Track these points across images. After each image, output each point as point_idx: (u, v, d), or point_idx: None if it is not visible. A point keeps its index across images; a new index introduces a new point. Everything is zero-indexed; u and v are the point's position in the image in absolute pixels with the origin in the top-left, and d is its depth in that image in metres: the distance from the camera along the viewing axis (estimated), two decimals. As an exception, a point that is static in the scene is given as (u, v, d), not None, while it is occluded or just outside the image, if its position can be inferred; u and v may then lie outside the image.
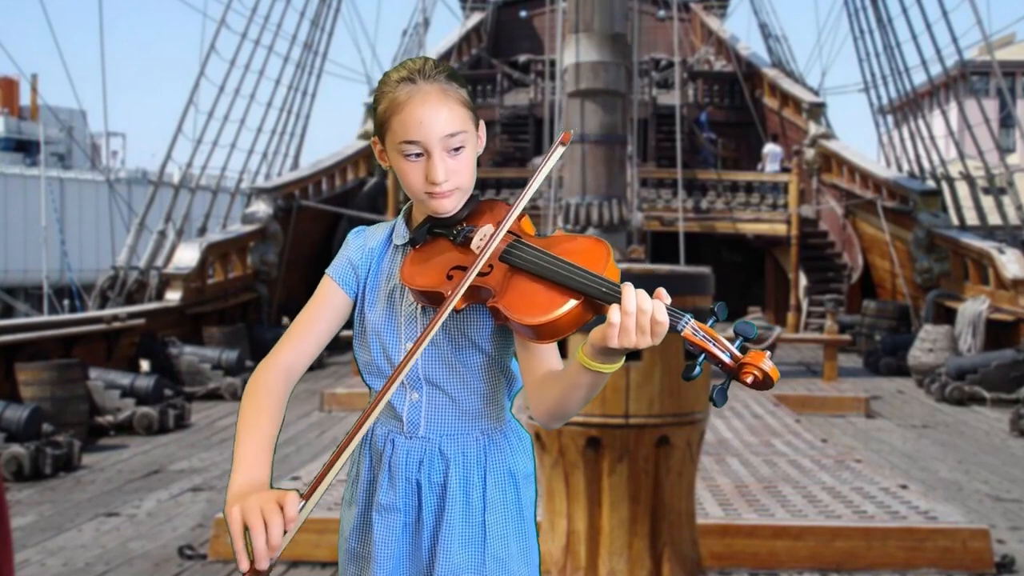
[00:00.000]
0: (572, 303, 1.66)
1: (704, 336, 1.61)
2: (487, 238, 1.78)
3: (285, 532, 1.60)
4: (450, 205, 1.83)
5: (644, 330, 1.59)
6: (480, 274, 1.75)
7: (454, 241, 1.84)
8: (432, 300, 1.80)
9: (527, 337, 1.73)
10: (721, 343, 1.60)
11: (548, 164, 1.86)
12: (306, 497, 1.65)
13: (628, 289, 1.61)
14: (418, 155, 1.80)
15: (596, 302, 1.66)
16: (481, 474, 1.87)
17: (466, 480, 1.86)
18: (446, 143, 1.80)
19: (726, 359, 1.60)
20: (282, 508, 1.60)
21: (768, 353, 1.60)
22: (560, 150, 1.86)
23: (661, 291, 1.62)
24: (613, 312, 1.60)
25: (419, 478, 1.87)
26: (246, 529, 1.61)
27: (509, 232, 1.80)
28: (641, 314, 1.59)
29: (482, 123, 1.91)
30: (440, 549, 1.84)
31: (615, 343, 1.60)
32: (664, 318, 1.60)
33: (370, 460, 1.93)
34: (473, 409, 1.88)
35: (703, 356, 1.60)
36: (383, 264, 1.92)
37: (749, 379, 1.58)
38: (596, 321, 1.67)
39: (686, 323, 1.61)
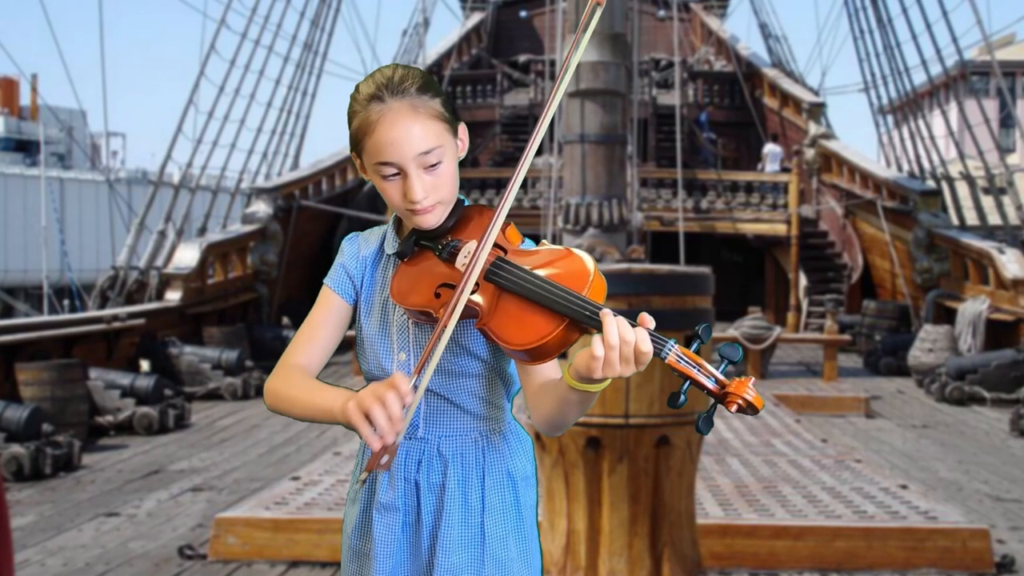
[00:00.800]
0: (556, 327, 1.66)
1: (688, 363, 1.60)
2: (471, 255, 1.76)
3: (405, 407, 1.65)
4: (433, 219, 1.82)
5: (628, 360, 1.60)
6: None
7: (439, 256, 1.83)
8: (423, 317, 1.81)
9: (516, 359, 1.75)
10: (706, 369, 1.60)
11: (585, 37, 1.78)
12: (417, 371, 1.71)
13: (609, 320, 1.60)
14: (395, 175, 1.79)
15: (579, 325, 1.66)
16: (480, 475, 1.88)
17: (464, 481, 1.87)
18: (421, 161, 1.78)
19: (711, 386, 1.59)
20: (395, 388, 1.64)
21: (752, 380, 1.59)
22: (598, 13, 1.79)
23: (645, 316, 1.62)
24: (596, 346, 1.60)
25: (418, 478, 1.87)
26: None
27: (496, 246, 1.78)
28: (624, 345, 1.59)
29: (463, 126, 1.88)
30: (439, 549, 1.85)
31: (599, 375, 1.61)
32: (648, 348, 1.59)
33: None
34: (471, 412, 1.89)
35: (688, 383, 1.60)
36: (376, 273, 1.92)
37: (734, 408, 1.58)
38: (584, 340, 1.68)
39: (669, 350, 1.60)
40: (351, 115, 1.81)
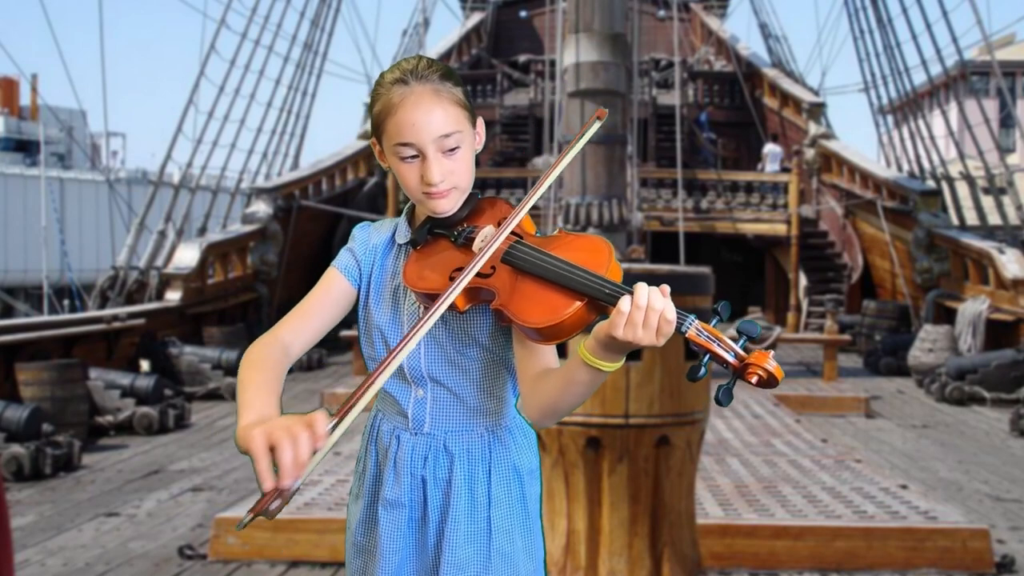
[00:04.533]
0: (575, 305, 1.66)
1: (708, 336, 1.60)
2: (488, 239, 1.78)
3: (315, 452, 1.51)
4: (448, 205, 1.84)
5: (651, 327, 1.59)
6: (482, 275, 1.76)
7: (455, 242, 1.84)
8: (432, 301, 1.80)
9: (532, 339, 1.74)
10: (725, 343, 1.60)
11: (579, 143, 1.85)
12: (338, 416, 1.57)
13: (642, 285, 1.62)
14: (413, 157, 1.81)
15: (599, 303, 1.66)
16: (486, 470, 1.88)
17: (471, 476, 1.88)
18: (440, 144, 1.80)
19: (731, 359, 1.60)
20: (310, 427, 1.51)
21: (772, 352, 1.60)
22: (596, 126, 1.85)
23: (664, 288, 1.62)
24: (624, 301, 1.60)
25: (424, 474, 1.88)
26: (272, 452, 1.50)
27: (511, 232, 1.80)
28: (651, 310, 1.59)
29: (480, 120, 1.92)
30: (445, 544, 1.85)
31: (620, 332, 1.59)
32: (673, 318, 1.60)
33: (376, 455, 1.94)
34: (477, 405, 1.89)
35: (707, 357, 1.60)
36: (387, 262, 1.94)
37: (754, 379, 1.58)
38: (599, 322, 1.67)
39: (690, 324, 1.61)
40: (374, 99, 1.84)
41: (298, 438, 1.49)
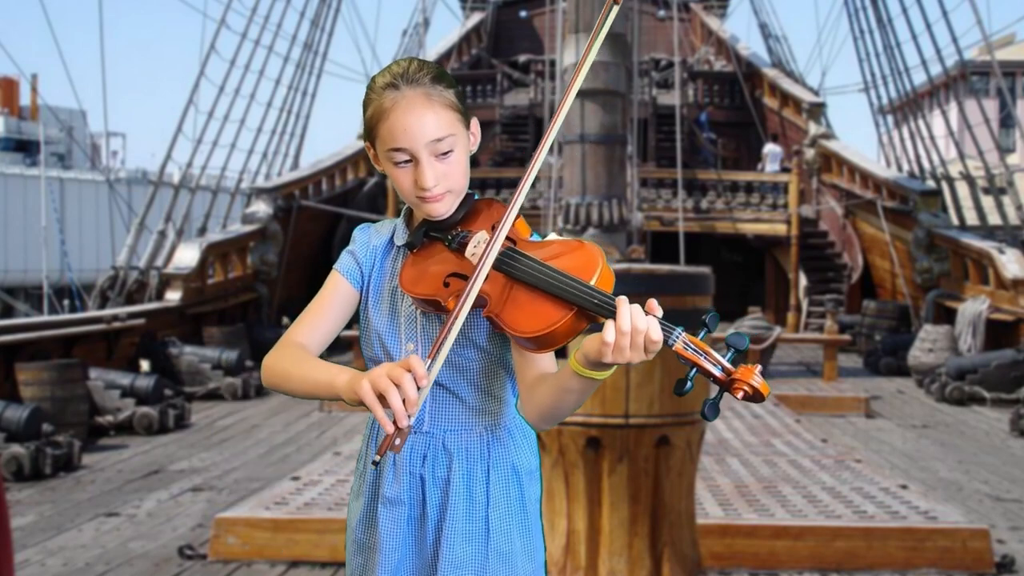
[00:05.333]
0: (565, 315, 1.67)
1: (695, 350, 1.61)
2: (482, 245, 1.79)
3: (419, 389, 1.64)
4: (443, 208, 1.84)
5: (638, 348, 1.61)
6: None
7: (449, 246, 1.84)
8: (431, 306, 1.82)
9: (523, 347, 1.75)
10: (712, 357, 1.60)
11: (600, 36, 1.80)
12: (431, 356, 1.70)
13: (623, 307, 1.61)
14: (407, 161, 1.81)
15: (589, 313, 1.66)
16: (484, 469, 1.89)
17: (469, 475, 1.88)
18: (433, 148, 1.80)
19: (717, 373, 1.60)
20: (411, 370, 1.64)
21: (759, 368, 1.60)
22: (614, 11, 1.80)
23: (653, 304, 1.63)
24: (608, 331, 1.61)
25: (423, 473, 1.89)
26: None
27: (505, 237, 1.80)
28: (635, 333, 1.60)
29: (475, 120, 1.91)
30: (443, 542, 1.86)
31: (609, 359, 1.62)
32: (659, 336, 1.60)
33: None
34: (477, 405, 1.90)
35: (694, 370, 1.61)
36: (386, 264, 1.94)
37: (740, 394, 1.59)
38: (591, 329, 1.67)
39: (677, 337, 1.61)
40: (366, 104, 1.84)
41: (402, 381, 1.63)
